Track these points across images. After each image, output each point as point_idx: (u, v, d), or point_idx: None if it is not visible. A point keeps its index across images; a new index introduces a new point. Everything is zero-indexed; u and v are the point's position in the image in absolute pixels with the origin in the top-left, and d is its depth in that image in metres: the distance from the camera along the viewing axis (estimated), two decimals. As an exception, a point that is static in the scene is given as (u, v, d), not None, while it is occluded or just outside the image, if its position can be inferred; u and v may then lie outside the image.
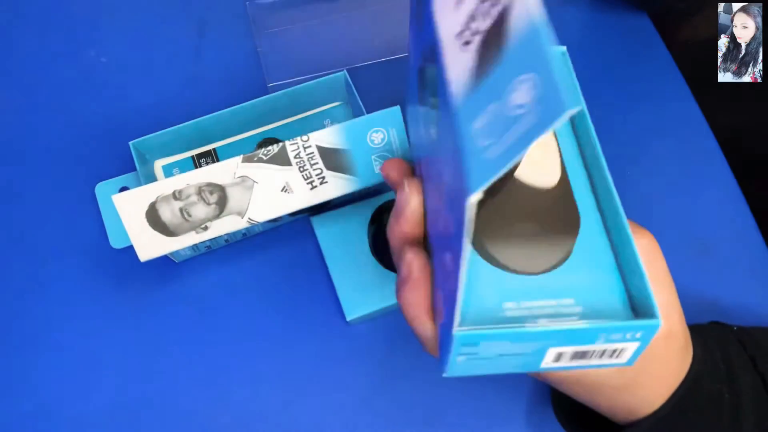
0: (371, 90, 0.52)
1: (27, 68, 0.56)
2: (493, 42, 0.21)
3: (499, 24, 0.21)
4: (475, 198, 0.20)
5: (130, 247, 0.47)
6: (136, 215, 0.40)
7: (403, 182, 0.31)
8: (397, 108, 0.42)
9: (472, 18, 0.22)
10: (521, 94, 0.19)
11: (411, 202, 0.31)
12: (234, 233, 0.45)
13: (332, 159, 0.41)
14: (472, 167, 0.20)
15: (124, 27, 0.58)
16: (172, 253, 0.43)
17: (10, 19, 0.58)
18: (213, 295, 0.48)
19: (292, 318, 0.48)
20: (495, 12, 0.21)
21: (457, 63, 0.23)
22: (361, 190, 0.43)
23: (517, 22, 0.20)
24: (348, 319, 0.46)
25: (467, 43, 0.22)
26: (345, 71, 0.49)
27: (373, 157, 0.42)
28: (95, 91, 0.55)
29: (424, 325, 0.29)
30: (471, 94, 0.22)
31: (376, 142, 0.42)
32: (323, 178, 0.41)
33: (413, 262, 0.29)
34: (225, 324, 0.48)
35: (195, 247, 0.45)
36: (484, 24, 0.22)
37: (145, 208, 0.40)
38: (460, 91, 0.22)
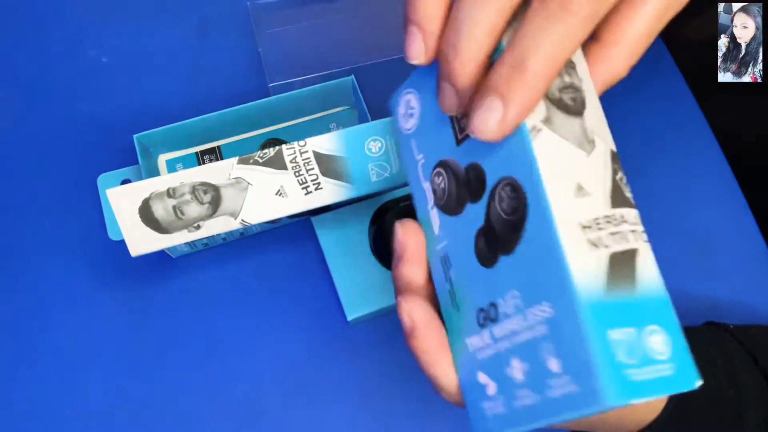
0: (371, 90, 0.52)
1: (27, 68, 0.56)
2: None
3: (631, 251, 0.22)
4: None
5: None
6: (129, 210, 0.40)
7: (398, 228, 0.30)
8: None
9: (605, 221, 0.23)
10: (657, 340, 0.21)
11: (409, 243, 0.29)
12: (231, 232, 0.45)
13: (329, 165, 0.41)
14: (604, 373, 0.21)
15: (124, 27, 0.58)
16: (168, 249, 0.43)
17: (11, 20, 0.58)
18: (211, 293, 0.48)
19: (292, 317, 0.48)
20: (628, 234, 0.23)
21: (582, 259, 0.22)
22: (355, 198, 0.43)
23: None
24: (348, 319, 0.46)
25: (596, 245, 0.22)
26: (353, 76, 0.49)
27: (369, 165, 0.42)
28: (97, 89, 0.55)
29: (445, 373, 0.28)
30: (607, 298, 0.22)
31: (373, 150, 0.41)
32: (318, 183, 0.41)
33: (413, 312, 0.29)
34: (224, 322, 0.48)
35: (192, 243, 0.45)
36: (615, 243, 0.22)
37: (139, 203, 0.40)
38: (590, 290, 0.22)
